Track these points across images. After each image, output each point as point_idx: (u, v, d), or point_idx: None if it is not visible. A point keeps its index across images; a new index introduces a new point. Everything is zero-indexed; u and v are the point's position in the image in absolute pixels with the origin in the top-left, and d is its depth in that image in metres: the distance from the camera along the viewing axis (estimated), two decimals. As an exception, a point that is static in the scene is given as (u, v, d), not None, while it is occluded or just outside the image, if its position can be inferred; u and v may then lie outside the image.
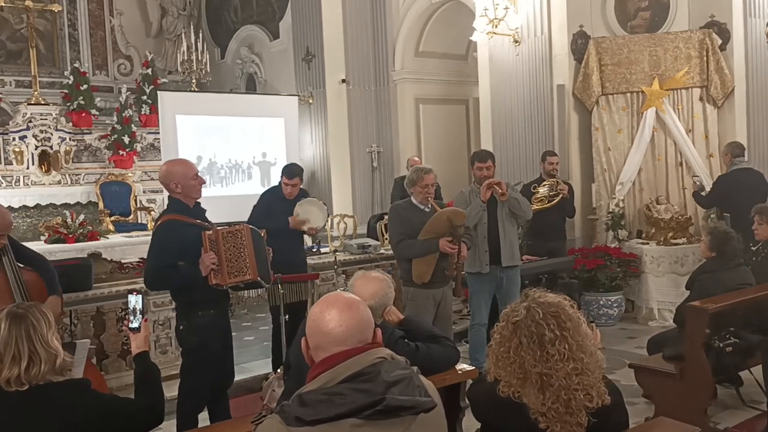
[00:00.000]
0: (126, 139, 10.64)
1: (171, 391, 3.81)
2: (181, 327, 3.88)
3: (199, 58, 11.29)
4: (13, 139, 10.05)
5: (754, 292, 4.51)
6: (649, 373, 4.46)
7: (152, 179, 10.41)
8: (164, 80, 12.01)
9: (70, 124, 10.61)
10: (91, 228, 8.23)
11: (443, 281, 4.87)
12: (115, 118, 10.79)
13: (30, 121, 10.15)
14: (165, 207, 4.06)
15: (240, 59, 12.65)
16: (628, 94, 7.81)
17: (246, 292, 6.89)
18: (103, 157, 10.79)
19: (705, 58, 7.62)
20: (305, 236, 5.90)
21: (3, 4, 10.28)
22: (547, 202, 6.85)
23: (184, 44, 11.29)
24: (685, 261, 7.17)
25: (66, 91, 10.97)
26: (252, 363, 6.05)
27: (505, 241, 5.28)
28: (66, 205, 10.04)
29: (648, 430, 2.98)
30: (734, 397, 4.77)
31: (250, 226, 3.91)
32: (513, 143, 8.31)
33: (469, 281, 5.38)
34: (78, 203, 10.30)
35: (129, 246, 8.16)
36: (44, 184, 10.20)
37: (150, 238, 3.92)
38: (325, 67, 10.34)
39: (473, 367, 3.12)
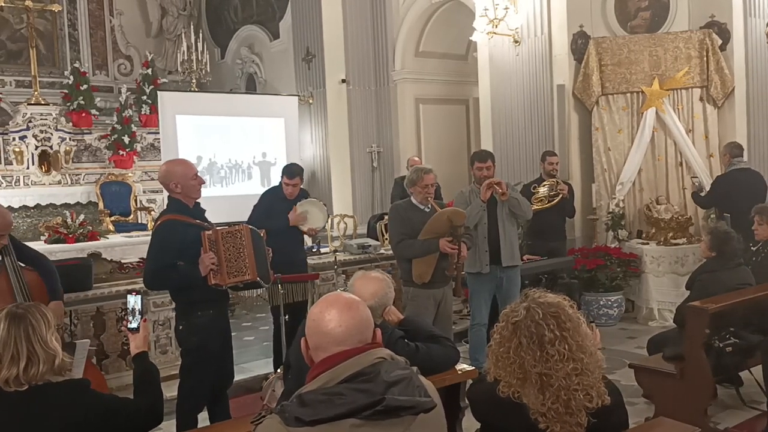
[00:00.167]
0: (126, 139, 10.64)
1: (171, 391, 3.81)
2: (181, 327, 3.88)
3: (199, 58, 11.29)
4: (13, 139, 10.05)
5: (754, 292, 4.51)
6: (649, 373, 4.45)
7: (152, 179, 10.41)
8: (164, 80, 12.02)
9: (70, 124, 10.61)
10: (91, 228, 8.23)
11: (443, 281, 4.87)
12: (115, 118, 10.79)
13: (30, 121, 10.15)
14: (165, 207, 4.06)
15: (240, 59, 12.65)
16: (628, 94, 7.81)
17: (246, 292, 6.90)
18: (103, 157, 10.79)
19: (705, 58, 7.62)
20: (305, 236, 5.89)
21: (3, 4, 10.28)
22: (547, 202, 6.85)
23: (184, 44, 11.29)
24: (685, 261, 7.17)
25: (66, 91, 10.98)
26: (252, 363, 6.05)
27: (505, 241, 5.28)
28: (66, 205, 10.04)
29: (648, 430, 2.98)
30: (734, 397, 4.76)
31: (250, 227, 3.91)
32: (513, 143, 8.31)
33: (469, 281, 5.38)
34: (78, 203, 10.30)
35: (129, 246, 8.15)
36: (44, 184, 10.20)
37: (150, 238, 3.92)
38: (325, 67, 10.35)
39: (473, 367, 3.12)
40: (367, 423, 1.63)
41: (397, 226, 4.91)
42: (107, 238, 8.57)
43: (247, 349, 6.49)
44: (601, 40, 7.81)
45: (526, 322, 2.14)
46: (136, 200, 10.55)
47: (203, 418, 3.98)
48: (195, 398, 3.87)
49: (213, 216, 4.06)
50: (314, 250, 7.08)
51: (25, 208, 9.99)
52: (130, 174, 10.69)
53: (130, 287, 5.11)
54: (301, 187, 5.78)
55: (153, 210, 10.14)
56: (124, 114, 10.71)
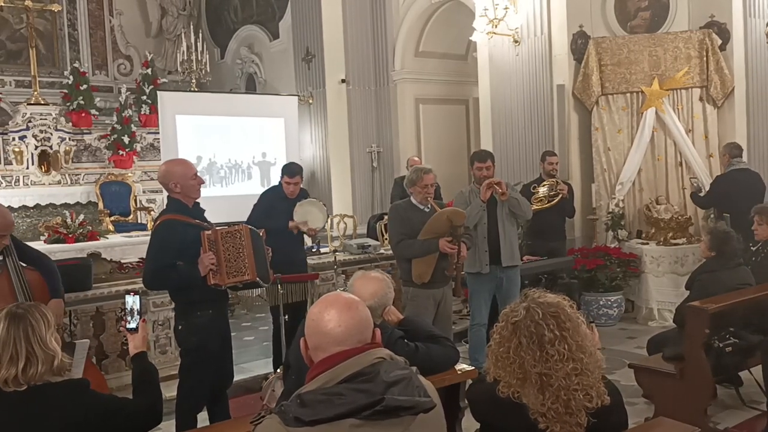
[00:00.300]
0: (126, 139, 10.64)
1: (170, 391, 3.81)
2: (180, 327, 3.87)
3: (199, 58, 11.28)
4: (13, 139, 10.04)
5: (754, 292, 4.51)
6: (649, 373, 4.45)
7: (152, 179, 10.40)
8: (164, 80, 12.01)
9: (70, 124, 10.61)
10: (90, 228, 8.23)
11: (443, 281, 4.87)
12: (114, 118, 10.79)
13: (30, 121, 10.15)
14: (164, 207, 4.06)
15: (240, 59, 12.65)
16: (628, 94, 7.81)
17: (246, 291, 6.90)
18: (102, 157, 10.79)
19: (705, 58, 7.62)
20: (305, 236, 5.89)
21: (3, 4, 10.28)
22: (547, 202, 6.85)
23: (184, 44, 11.29)
24: (685, 261, 7.17)
25: (66, 91, 10.97)
26: (252, 363, 6.05)
27: (505, 241, 5.28)
28: (66, 205, 10.04)
29: (648, 430, 2.97)
30: (734, 397, 4.76)
31: (249, 227, 3.90)
32: (513, 143, 8.31)
33: (469, 281, 5.38)
34: (78, 203, 10.30)
35: (129, 246, 8.15)
36: (44, 184, 10.20)
37: (149, 238, 3.92)
38: (325, 67, 10.34)
39: (473, 367, 3.12)
40: (366, 423, 1.62)
41: (397, 226, 4.91)
42: (107, 238, 8.57)
43: (246, 349, 6.49)
44: (601, 40, 7.81)
45: (525, 322, 2.14)
46: (135, 200, 10.55)
47: (203, 418, 3.98)
48: (194, 398, 3.87)
49: (213, 216, 4.06)
50: (314, 250, 7.08)
51: (24, 208, 9.99)
52: (129, 174, 10.69)
53: (129, 287, 5.11)
54: (302, 187, 5.79)
55: (153, 210, 10.13)
56: (123, 114, 10.71)
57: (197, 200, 3.92)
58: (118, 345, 5.40)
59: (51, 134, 10.29)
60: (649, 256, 7.28)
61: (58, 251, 7.14)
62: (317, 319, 1.77)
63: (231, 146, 10.10)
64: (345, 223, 7.78)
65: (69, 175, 10.40)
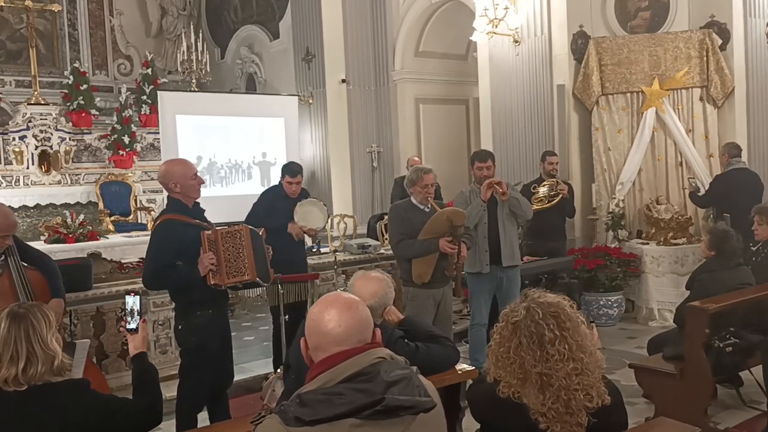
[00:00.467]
0: (126, 139, 10.64)
1: (170, 391, 3.81)
2: (180, 327, 3.87)
3: (199, 58, 11.28)
4: (13, 139, 10.05)
5: (754, 292, 4.51)
6: (649, 373, 4.45)
7: (152, 179, 10.41)
8: (164, 80, 12.01)
9: (70, 124, 10.61)
10: (91, 228, 8.22)
11: (443, 281, 4.87)
12: (115, 118, 10.79)
13: (30, 121, 10.15)
14: (164, 207, 4.06)
15: (240, 59, 12.65)
16: (628, 94, 7.81)
17: (246, 291, 6.90)
18: (103, 157, 10.79)
19: (705, 58, 7.62)
20: (305, 236, 5.89)
21: (3, 4, 10.28)
22: (547, 202, 6.85)
23: (184, 44, 11.29)
24: (685, 261, 7.17)
25: (66, 91, 10.97)
26: (252, 363, 6.05)
27: (505, 241, 5.28)
28: (66, 205, 10.04)
29: (648, 430, 2.97)
30: (734, 397, 4.77)
31: (249, 227, 3.90)
32: (513, 143, 8.31)
33: (469, 281, 5.38)
34: (78, 203, 10.30)
35: (129, 246, 8.15)
36: (44, 184, 10.20)
37: (149, 238, 3.92)
38: (325, 67, 10.34)
39: (473, 367, 3.12)
40: (366, 423, 1.63)
41: (397, 226, 4.91)
42: (107, 238, 8.56)
43: (246, 349, 6.49)
44: (601, 40, 7.81)
45: (526, 322, 2.14)
46: (135, 200, 10.55)
47: (203, 418, 3.98)
48: (195, 398, 3.87)
49: (213, 216, 4.06)
50: (314, 250, 7.08)
51: (24, 208, 9.99)
52: (129, 174, 10.69)
53: (129, 287, 5.11)
54: (303, 186, 5.79)
55: (153, 210, 10.13)
56: (124, 114, 10.71)
57: (197, 200, 3.92)
58: (118, 345, 5.40)
59: (51, 134, 10.29)
60: (649, 256, 7.28)
61: (58, 251, 7.13)
62: (317, 319, 1.77)
63: (231, 146, 10.10)
64: (345, 223, 7.78)
65: (69, 175, 10.40)
